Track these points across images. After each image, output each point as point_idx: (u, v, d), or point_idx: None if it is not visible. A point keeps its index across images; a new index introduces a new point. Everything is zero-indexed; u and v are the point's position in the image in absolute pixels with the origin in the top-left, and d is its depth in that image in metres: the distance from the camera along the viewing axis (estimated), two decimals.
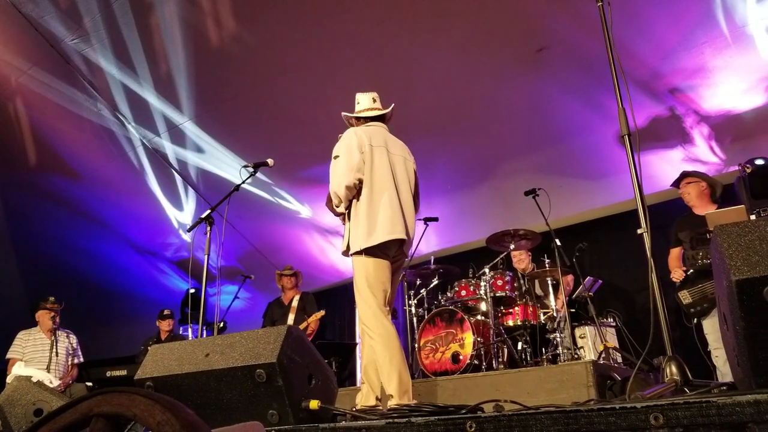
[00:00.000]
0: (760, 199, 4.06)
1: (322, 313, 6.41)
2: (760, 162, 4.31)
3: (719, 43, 5.13)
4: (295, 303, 6.63)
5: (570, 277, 5.97)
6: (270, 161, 4.57)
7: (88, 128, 6.93)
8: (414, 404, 2.59)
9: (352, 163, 3.43)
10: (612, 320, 5.67)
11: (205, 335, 4.34)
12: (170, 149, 7.36)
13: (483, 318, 5.36)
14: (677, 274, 4.68)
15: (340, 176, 3.45)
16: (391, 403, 3.07)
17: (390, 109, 3.82)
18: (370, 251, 3.37)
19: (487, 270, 5.55)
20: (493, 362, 5.03)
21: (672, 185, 5.02)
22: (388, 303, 3.47)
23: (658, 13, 5.00)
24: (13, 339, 6.20)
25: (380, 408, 3.28)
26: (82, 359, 6.50)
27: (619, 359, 5.14)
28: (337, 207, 3.58)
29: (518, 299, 5.55)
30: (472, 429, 1.68)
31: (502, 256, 5.80)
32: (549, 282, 5.62)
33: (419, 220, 5.64)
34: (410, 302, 6.12)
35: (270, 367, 2.32)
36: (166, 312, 7.22)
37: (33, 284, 7.73)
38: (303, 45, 5.79)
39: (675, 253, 4.88)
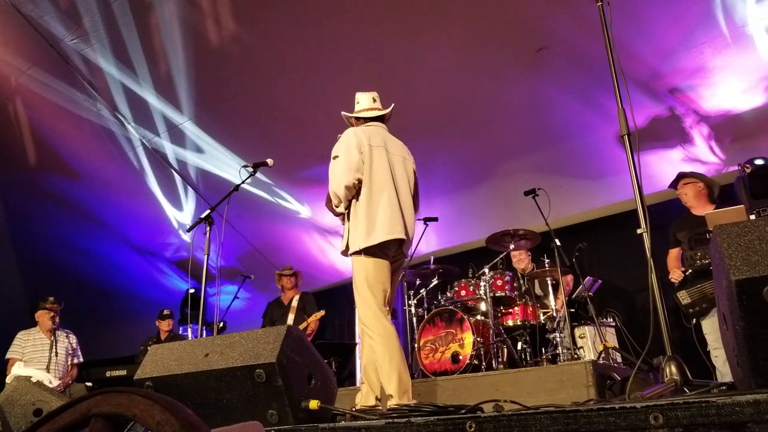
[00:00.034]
0: (760, 198, 4.07)
1: (322, 313, 6.41)
2: (759, 162, 4.31)
3: (719, 43, 5.13)
4: (294, 303, 6.63)
5: (570, 277, 5.97)
6: (270, 161, 4.57)
7: (87, 128, 6.93)
8: (413, 404, 2.59)
9: (351, 163, 3.43)
10: (612, 320, 5.67)
11: (204, 335, 4.34)
12: (170, 149, 7.36)
13: (483, 318, 5.36)
14: (676, 275, 4.68)
15: (339, 176, 3.45)
16: (391, 403, 3.07)
17: (390, 109, 3.82)
18: (369, 251, 3.37)
19: (486, 270, 5.55)
20: (493, 362, 5.03)
21: (669, 186, 5.03)
22: (388, 303, 3.47)
23: (657, 13, 5.00)
24: (12, 339, 6.20)
25: (380, 408, 3.28)
26: (81, 359, 6.50)
27: (619, 359, 5.14)
28: (337, 207, 3.58)
29: (518, 299, 5.55)
30: (472, 429, 1.68)
31: (501, 256, 5.80)
32: (549, 282, 5.62)
33: (419, 220, 5.64)
34: (410, 302, 6.13)
35: (269, 367, 2.32)
36: (165, 312, 7.22)
37: (32, 284, 7.73)
38: (303, 45, 5.79)
39: (674, 253, 4.88)
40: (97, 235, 8.19)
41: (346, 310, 8.84)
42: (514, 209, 6.52)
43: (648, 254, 2.63)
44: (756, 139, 5.69)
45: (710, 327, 4.57)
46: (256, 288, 8.98)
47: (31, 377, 4.31)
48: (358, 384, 5.43)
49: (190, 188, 7.95)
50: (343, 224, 3.59)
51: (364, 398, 3.40)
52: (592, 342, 5.28)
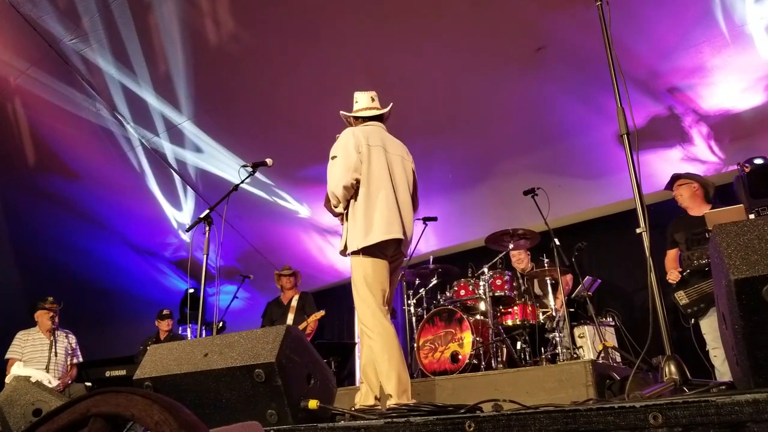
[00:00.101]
0: (759, 198, 4.07)
1: (322, 313, 6.41)
2: (758, 161, 4.32)
3: (718, 42, 5.13)
4: (294, 303, 6.63)
5: (569, 277, 5.98)
6: (269, 161, 4.57)
7: (86, 128, 6.93)
8: (413, 404, 2.59)
9: (349, 163, 3.43)
10: (611, 320, 5.67)
11: (204, 335, 4.34)
12: (169, 149, 7.35)
13: (482, 317, 5.36)
14: (673, 276, 4.70)
15: (337, 176, 3.44)
16: (390, 402, 3.07)
17: (388, 108, 3.81)
18: (367, 251, 3.37)
19: (486, 269, 5.55)
20: (492, 362, 5.03)
21: (665, 188, 5.04)
22: (387, 302, 3.47)
23: (657, 13, 5.00)
24: (12, 339, 6.19)
25: (379, 408, 3.28)
26: (81, 359, 6.50)
27: (618, 359, 5.14)
28: (335, 207, 3.58)
29: (517, 299, 5.56)
30: (471, 428, 1.68)
31: (501, 255, 5.81)
32: (548, 281, 5.62)
33: (418, 219, 5.64)
34: (409, 302, 6.13)
35: (269, 367, 2.32)
36: (165, 312, 7.22)
37: (32, 284, 7.72)
38: (302, 44, 5.78)
39: (672, 254, 4.89)
40: (96, 235, 8.18)
41: (345, 309, 8.84)
42: (514, 209, 6.53)
43: (647, 254, 2.63)
44: (755, 139, 5.69)
45: (709, 327, 4.58)
46: (256, 288, 8.97)
47: (30, 377, 4.31)
48: (357, 384, 5.44)
49: (189, 188, 7.95)
50: (342, 224, 3.59)
51: (364, 398, 3.40)
52: (591, 341, 5.28)
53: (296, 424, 2.31)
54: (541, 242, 5.76)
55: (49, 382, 5.60)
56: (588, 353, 5.18)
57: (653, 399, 1.86)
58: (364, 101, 3.82)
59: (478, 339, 5.11)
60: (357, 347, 7.47)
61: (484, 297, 5.42)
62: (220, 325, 7.05)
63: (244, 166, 4.56)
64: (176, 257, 9.12)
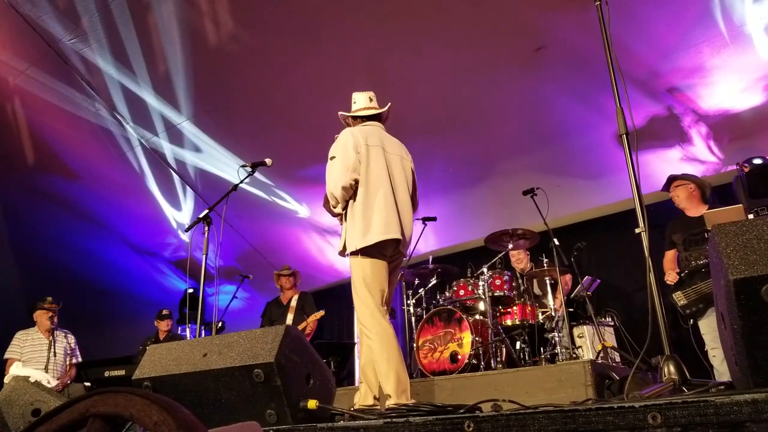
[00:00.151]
0: (758, 198, 4.07)
1: (322, 313, 6.41)
2: (758, 161, 4.32)
3: (717, 42, 5.13)
4: (293, 303, 6.63)
5: (568, 277, 5.98)
6: (268, 161, 4.57)
7: (86, 128, 6.92)
8: (412, 404, 2.59)
9: (348, 163, 3.43)
10: (610, 319, 5.67)
11: (203, 335, 4.34)
12: (168, 149, 7.35)
13: (481, 317, 5.36)
14: (671, 277, 4.71)
15: (336, 177, 3.44)
16: (389, 402, 3.07)
17: (386, 108, 3.81)
18: (366, 251, 3.37)
19: (485, 269, 5.55)
20: (492, 362, 5.03)
21: (662, 189, 5.05)
22: (386, 303, 3.47)
23: (656, 13, 5.00)
24: (11, 339, 6.19)
25: (378, 408, 3.28)
26: (80, 359, 6.50)
27: (618, 358, 5.14)
28: (334, 208, 3.58)
29: (516, 299, 5.56)
30: (470, 428, 1.68)
31: (500, 255, 5.80)
32: (547, 281, 5.62)
33: (417, 219, 5.64)
34: (408, 302, 6.13)
35: (268, 367, 2.32)
36: (164, 312, 7.21)
37: (31, 284, 7.71)
38: (301, 44, 5.78)
39: (670, 255, 4.90)
40: (95, 235, 8.18)
41: (344, 309, 8.84)
42: (513, 209, 6.53)
43: (646, 253, 2.63)
44: (754, 139, 5.69)
45: (707, 327, 4.59)
46: (255, 288, 8.97)
47: (29, 377, 4.31)
48: (356, 384, 5.44)
49: (188, 188, 7.95)
50: (341, 224, 3.59)
51: (363, 398, 3.40)
52: (590, 341, 5.28)
53: (295, 424, 2.31)
54: (541, 242, 5.76)
55: (48, 382, 5.59)
56: (587, 353, 5.18)
57: (652, 399, 1.86)
58: (362, 101, 3.82)
59: (477, 339, 5.11)
60: (356, 347, 7.47)
61: (483, 297, 5.42)
62: (220, 325, 7.05)
63: (243, 166, 4.56)
64: (175, 257, 9.11)
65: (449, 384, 4.20)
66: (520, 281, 5.80)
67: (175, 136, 7.13)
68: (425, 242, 7.07)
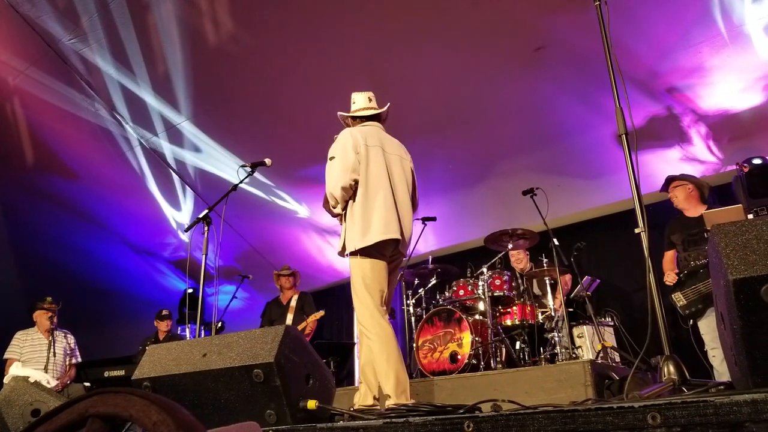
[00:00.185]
0: (758, 198, 4.07)
1: (322, 313, 6.41)
2: (757, 161, 4.32)
3: (717, 42, 5.13)
4: (293, 303, 6.64)
5: (568, 277, 5.98)
6: (268, 161, 4.57)
7: (85, 128, 6.92)
8: (412, 404, 2.59)
9: (347, 163, 3.42)
10: (610, 319, 5.67)
11: (203, 335, 4.34)
12: (168, 149, 7.35)
13: (481, 317, 5.36)
14: (670, 278, 4.72)
15: (335, 177, 3.44)
16: (389, 402, 3.07)
17: (385, 108, 3.81)
18: (365, 251, 3.37)
19: (485, 269, 5.55)
20: (491, 362, 5.03)
21: (660, 190, 5.06)
22: (385, 303, 3.47)
23: (655, 13, 5.00)
24: (10, 339, 6.19)
25: (378, 408, 3.28)
26: (79, 359, 6.49)
27: (617, 358, 5.14)
28: (334, 208, 3.58)
29: (516, 299, 5.55)
30: (470, 429, 1.68)
31: (500, 255, 5.81)
32: (547, 281, 5.62)
33: (417, 219, 5.64)
34: (408, 302, 6.13)
35: (267, 367, 2.32)
36: (164, 312, 7.21)
37: (30, 284, 7.71)
38: (301, 44, 5.78)
39: (669, 256, 4.91)
40: (95, 235, 8.17)
41: (344, 310, 8.84)
42: (513, 209, 6.53)
43: (646, 254, 2.63)
44: (754, 139, 5.70)
45: (707, 327, 4.59)
46: (255, 288, 8.97)
47: (28, 377, 4.31)
48: (356, 384, 5.43)
49: (188, 188, 7.94)
50: (341, 225, 3.59)
51: (362, 398, 3.40)
52: (590, 341, 5.28)
53: (295, 424, 2.31)
54: (540, 242, 5.76)
55: (48, 383, 5.59)
56: (587, 353, 5.18)
57: (652, 399, 1.86)
58: (361, 101, 3.82)
59: (477, 339, 5.11)
60: (356, 347, 7.47)
61: (483, 297, 5.42)
62: (219, 325, 7.05)
63: (243, 166, 4.56)
64: (175, 257, 9.11)
65: (449, 384, 4.20)
66: (519, 281, 5.80)
67: (175, 136, 7.13)
68: (425, 242, 7.07)
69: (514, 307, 5.46)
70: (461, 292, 5.61)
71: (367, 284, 3.35)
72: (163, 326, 7.15)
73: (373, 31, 5.62)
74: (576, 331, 5.40)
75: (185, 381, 2.54)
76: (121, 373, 6.30)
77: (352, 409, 3.15)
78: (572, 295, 5.84)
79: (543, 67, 5.66)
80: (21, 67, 6.19)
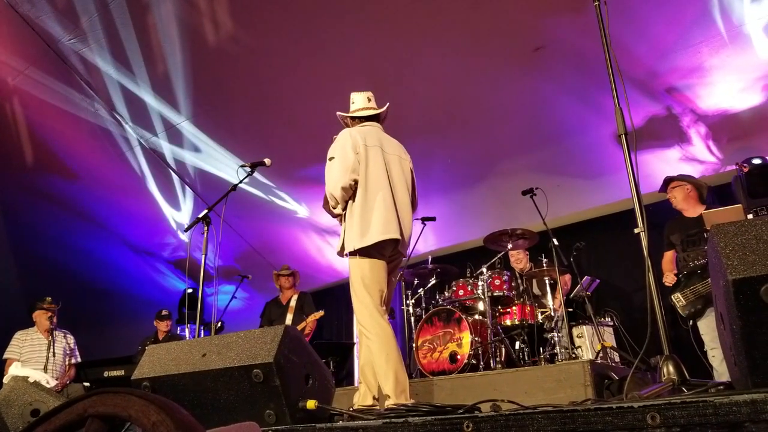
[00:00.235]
0: (757, 198, 4.07)
1: (322, 313, 6.41)
2: (757, 161, 4.32)
3: (716, 42, 5.14)
4: (293, 303, 6.64)
5: (567, 277, 5.98)
6: (267, 161, 4.56)
7: (85, 128, 6.92)
8: (411, 404, 2.59)
9: (347, 164, 3.42)
10: (609, 319, 5.67)
11: (202, 335, 4.34)
12: (167, 149, 7.35)
13: (480, 317, 5.35)
14: (669, 279, 4.72)
15: (335, 178, 3.44)
16: (388, 402, 3.07)
17: (385, 108, 3.81)
18: (364, 251, 3.37)
19: (484, 269, 5.55)
20: (491, 362, 5.03)
21: (659, 191, 5.06)
22: (385, 303, 3.47)
23: (655, 13, 5.00)
24: (10, 339, 6.19)
25: (377, 408, 3.28)
26: (79, 359, 6.49)
27: (617, 358, 5.14)
28: (334, 208, 3.58)
29: (516, 299, 5.55)
30: (469, 429, 1.68)
31: (499, 255, 5.80)
32: (546, 281, 5.62)
33: (416, 219, 5.64)
34: (408, 302, 6.12)
35: (267, 367, 2.32)
36: (164, 312, 7.21)
37: (30, 284, 7.71)
38: (300, 45, 5.78)
39: (668, 256, 4.91)
40: (94, 235, 8.18)
41: (344, 310, 8.84)
42: (512, 209, 6.53)
43: (645, 254, 2.63)
44: (753, 139, 5.70)
45: (707, 327, 4.59)
46: (254, 288, 8.97)
47: (28, 377, 4.31)
48: (356, 384, 5.43)
49: (187, 188, 7.94)
50: (341, 225, 3.59)
51: (362, 398, 3.40)
52: (590, 341, 5.28)
53: (294, 424, 2.31)
54: (540, 242, 5.76)
55: (47, 383, 5.59)
56: (586, 353, 5.18)
57: (651, 399, 1.86)
58: (360, 101, 3.82)
59: (476, 339, 5.11)
60: (356, 347, 7.47)
61: (482, 297, 5.42)
62: (219, 325, 7.05)
63: (242, 166, 4.56)
64: (175, 257, 9.11)
65: (448, 384, 4.20)
66: (519, 281, 5.80)
67: (175, 136, 7.13)
68: (424, 242, 7.07)
69: (514, 307, 5.46)
70: (461, 292, 5.61)
71: (366, 284, 3.35)
72: (162, 326, 7.15)
73: (373, 31, 5.62)
74: (575, 331, 5.40)
75: (185, 381, 2.54)
76: (121, 373, 6.30)
77: (351, 409, 3.15)
78: (572, 295, 5.84)
79: (543, 68, 5.66)
80: (21, 67, 6.19)
